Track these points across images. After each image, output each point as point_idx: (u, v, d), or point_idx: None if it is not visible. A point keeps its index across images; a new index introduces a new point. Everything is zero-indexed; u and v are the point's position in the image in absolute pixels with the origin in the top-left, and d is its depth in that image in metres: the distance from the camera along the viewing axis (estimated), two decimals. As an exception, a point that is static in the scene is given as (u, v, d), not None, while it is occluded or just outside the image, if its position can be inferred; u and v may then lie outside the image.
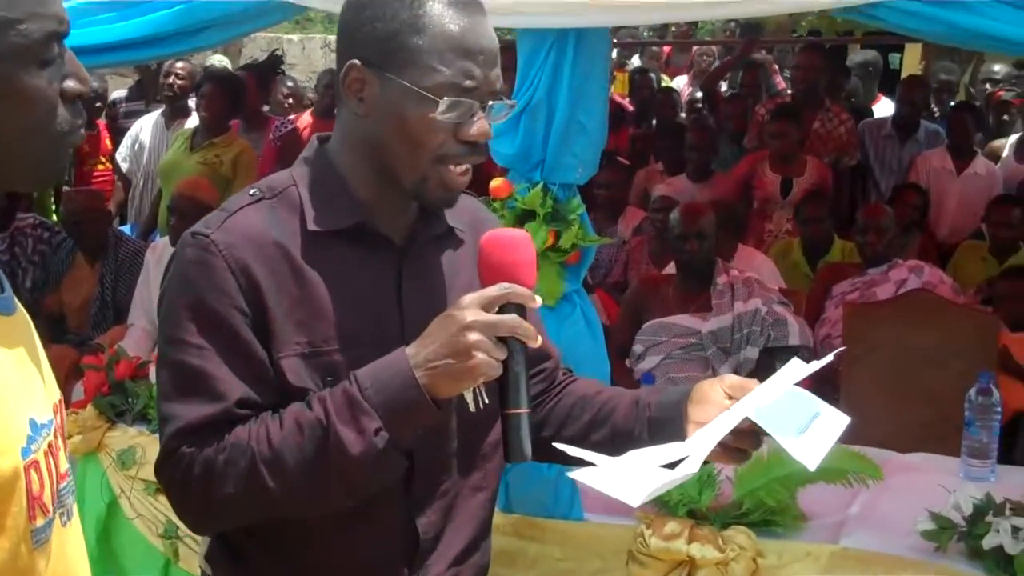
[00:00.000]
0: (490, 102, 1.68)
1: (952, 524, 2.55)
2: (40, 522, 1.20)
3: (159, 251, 4.82)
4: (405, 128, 1.67)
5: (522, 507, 2.79)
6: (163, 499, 3.07)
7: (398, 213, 1.77)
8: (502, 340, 1.58)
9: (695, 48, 9.93)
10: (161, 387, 1.70)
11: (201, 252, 1.68)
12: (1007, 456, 3.58)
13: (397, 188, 1.73)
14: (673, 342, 4.33)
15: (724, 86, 8.12)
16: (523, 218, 2.53)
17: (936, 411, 4.04)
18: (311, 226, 1.71)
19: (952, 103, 7.38)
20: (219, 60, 8.39)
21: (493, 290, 1.60)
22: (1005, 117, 7.21)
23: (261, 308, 1.67)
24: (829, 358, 1.68)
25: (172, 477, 1.67)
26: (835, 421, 1.58)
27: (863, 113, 7.23)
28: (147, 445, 3.31)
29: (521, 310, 1.61)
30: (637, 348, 4.36)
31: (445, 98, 1.64)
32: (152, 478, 2.60)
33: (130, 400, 3.50)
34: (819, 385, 4.55)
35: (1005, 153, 6.66)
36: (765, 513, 2.62)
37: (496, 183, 2.49)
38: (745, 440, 1.65)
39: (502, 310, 1.60)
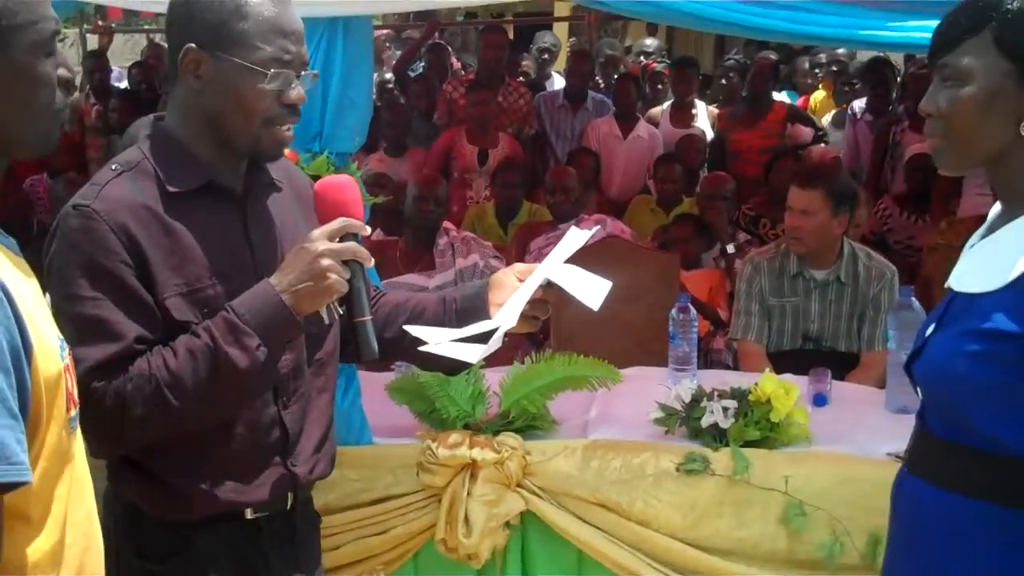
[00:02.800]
0: (302, 72, 2.09)
1: (676, 411, 3.11)
2: (73, 412, 1.52)
3: None
4: (239, 97, 2.05)
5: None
6: None
7: (234, 170, 2.15)
8: (345, 263, 2.00)
9: (376, 32, 10.30)
10: (65, 337, 1.99)
11: (85, 220, 1.99)
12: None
13: (231, 149, 2.10)
14: (404, 298, 4.76)
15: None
16: (311, 182, 2.90)
17: (634, 339, 4.62)
18: (171, 188, 2.05)
19: (615, 75, 8.17)
20: None
21: (335, 224, 2.03)
22: (659, 86, 8.00)
23: (142, 260, 2.00)
24: (595, 230, 2.33)
25: (87, 410, 1.96)
26: (602, 281, 2.09)
27: (537, 88, 7.88)
28: None
29: (356, 238, 2.04)
30: (373, 305, 4.76)
31: (271, 70, 2.03)
32: None
33: None
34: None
35: (661, 118, 7.48)
36: (528, 419, 3.07)
37: (284, 153, 2.84)
38: (538, 308, 2.16)
39: (342, 240, 2.02)
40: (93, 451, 2.03)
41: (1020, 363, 1.80)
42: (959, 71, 1.87)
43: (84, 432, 1.98)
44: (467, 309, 2.25)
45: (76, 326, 1.96)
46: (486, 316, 2.18)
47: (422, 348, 2.11)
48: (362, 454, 3.07)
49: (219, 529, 2.14)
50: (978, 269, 1.92)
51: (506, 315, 2.11)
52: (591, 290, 2.05)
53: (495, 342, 2.06)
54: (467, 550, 2.93)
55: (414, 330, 2.16)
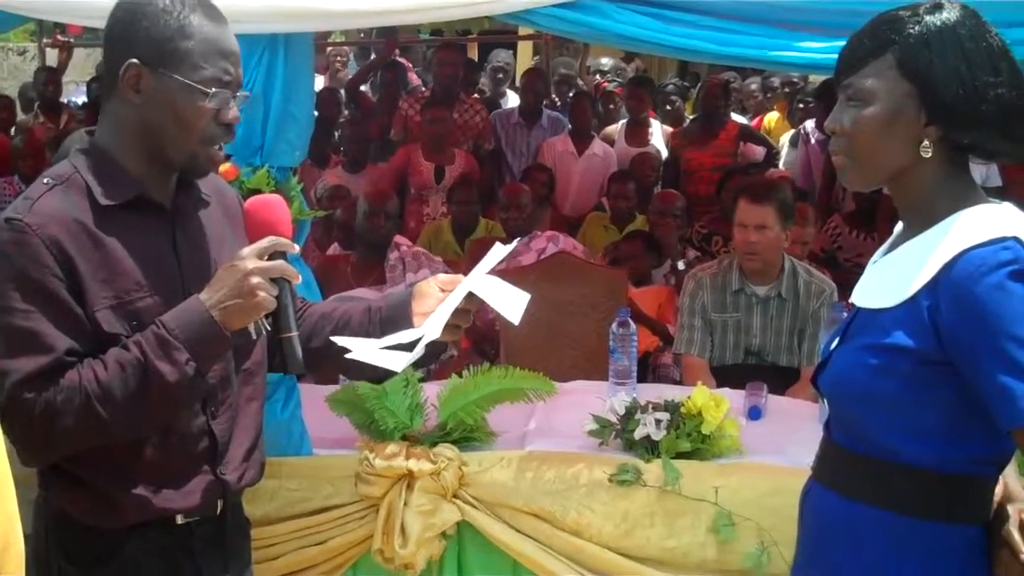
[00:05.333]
0: (238, 93, 2.14)
1: (610, 423, 3.16)
2: None
3: None
4: (177, 114, 2.10)
5: (259, 449, 3.17)
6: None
7: (164, 184, 2.19)
8: (273, 280, 2.05)
9: (329, 49, 10.32)
10: None
11: (17, 234, 2.02)
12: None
13: (163, 164, 2.15)
14: (354, 313, 4.80)
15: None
16: (249, 196, 2.93)
17: (581, 352, 4.67)
18: (102, 201, 2.09)
19: (571, 93, 8.25)
20: None
21: (264, 243, 2.07)
22: (612, 106, 8.09)
23: (73, 272, 2.03)
24: (516, 243, 2.38)
25: (17, 420, 1.99)
26: (522, 294, 2.14)
27: (493, 106, 7.95)
28: None
29: (283, 256, 2.09)
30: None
31: (213, 89, 2.08)
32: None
33: None
34: (478, 341, 5.16)
35: (617, 137, 7.55)
36: (465, 431, 3.11)
37: (224, 167, 2.87)
38: (460, 317, 2.21)
39: (271, 258, 2.06)
40: (22, 460, 2.07)
41: (915, 377, 1.87)
42: (862, 92, 1.94)
43: (12, 441, 2.01)
44: (391, 318, 2.30)
45: (7, 337, 2.00)
46: (409, 325, 2.24)
47: (348, 356, 2.16)
48: (301, 465, 3.11)
49: (149, 535, 2.17)
50: (879, 285, 1.99)
51: (431, 325, 2.16)
52: (511, 302, 2.10)
53: (419, 350, 2.11)
54: (403, 560, 2.97)
55: (340, 340, 2.21)
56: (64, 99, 9.05)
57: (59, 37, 9.37)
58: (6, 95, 8.62)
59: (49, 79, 8.49)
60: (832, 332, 2.15)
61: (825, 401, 2.11)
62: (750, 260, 4.14)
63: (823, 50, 2.89)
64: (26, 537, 2.03)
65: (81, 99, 8.94)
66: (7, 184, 6.78)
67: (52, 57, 9.48)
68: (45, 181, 2.11)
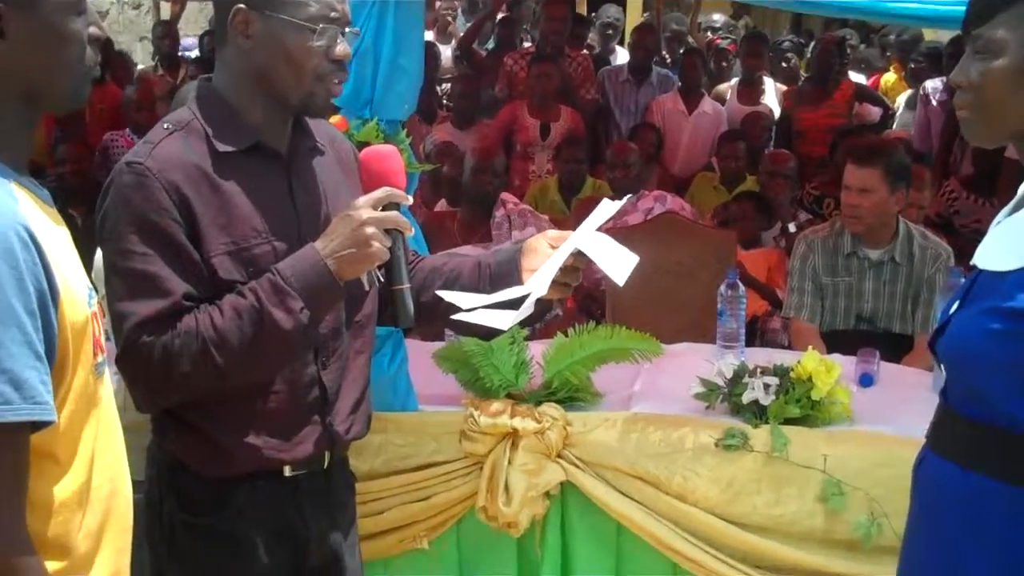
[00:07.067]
0: (346, 29, 2.14)
1: (718, 386, 3.11)
2: (100, 358, 1.58)
3: None
4: (288, 54, 2.10)
5: (367, 403, 3.19)
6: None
7: (280, 131, 2.20)
8: (387, 232, 2.04)
9: (438, 3, 10.30)
10: (115, 291, 2.05)
11: (138, 177, 2.04)
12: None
13: (279, 108, 2.15)
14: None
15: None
16: (359, 148, 2.93)
17: (688, 316, 4.58)
18: (220, 148, 2.11)
19: (681, 50, 8.12)
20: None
21: (379, 193, 2.07)
22: (724, 63, 7.96)
23: (191, 218, 2.06)
24: (626, 200, 2.33)
25: (135, 363, 2.03)
26: (630, 255, 2.10)
27: (602, 63, 7.84)
28: None
29: (397, 207, 2.08)
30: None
31: (320, 25, 2.07)
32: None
33: None
34: (584, 301, 5.13)
35: (729, 95, 7.41)
36: (570, 391, 3.09)
37: (335, 119, 2.88)
38: (568, 275, 2.18)
39: (385, 209, 2.06)
40: (137, 404, 2.11)
41: None
42: (992, 43, 1.86)
43: (129, 384, 2.06)
44: (500, 274, 2.28)
45: (126, 281, 2.03)
46: (518, 282, 2.21)
47: (454, 316, 2.15)
48: (407, 420, 3.12)
49: (257, 485, 2.20)
50: (1003, 246, 1.91)
51: (537, 282, 2.14)
52: (618, 263, 2.06)
53: (526, 308, 2.09)
54: (507, 518, 2.97)
55: (447, 295, 2.20)
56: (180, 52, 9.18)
57: (173, -10, 9.52)
58: (121, 50, 8.78)
59: (166, 32, 8.62)
60: (951, 296, 2.08)
61: (942, 367, 2.04)
62: (852, 223, 4.04)
63: (945, 1, 2.77)
64: (140, 484, 2.09)
65: (194, 53, 9.05)
66: (120, 137, 6.89)
67: (166, 11, 9.62)
68: (165, 127, 2.14)
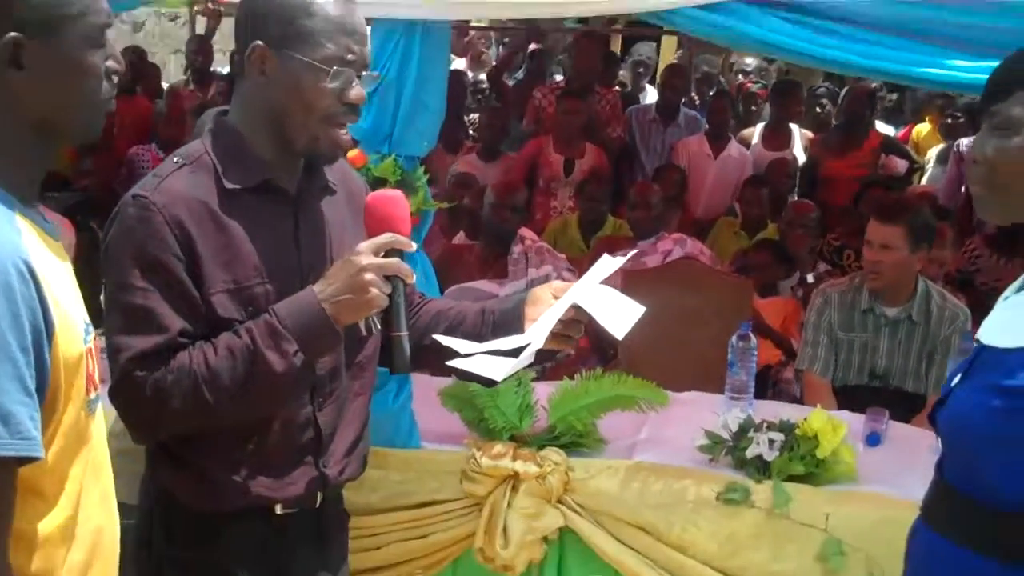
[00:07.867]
0: (363, 72, 2.12)
1: (722, 439, 3.09)
2: (92, 395, 1.58)
3: None
4: (301, 94, 2.08)
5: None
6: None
7: (291, 170, 2.18)
8: (387, 278, 2.03)
9: (472, 32, 10.34)
10: (112, 324, 2.04)
11: (142, 211, 2.04)
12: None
13: (290, 148, 2.14)
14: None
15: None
16: (375, 185, 2.93)
17: (700, 363, 4.55)
18: (228, 184, 2.10)
19: (711, 92, 8.10)
20: None
21: (382, 239, 2.05)
22: (753, 108, 7.91)
23: (193, 254, 2.04)
24: (631, 254, 2.31)
25: (128, 397, 2.02)
26: (634, 307, 2.08)
27: (632, 101, 7.84)
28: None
29: (400, 254, 2.06)
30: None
31: (335, 68, 2.07)
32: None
33: None
34: (596, 340, 5.11)
35: (755, 140, 7.35)
36: (573, 436, 3.08)
37: (352, 154, 2.88)
38: (570, 328, 2.16)
39: (387, 255, 2.05)
40: (132, 437, 2.11)
41: None
42: (1009, 120, 1.84)
43: (122, 417, 2.05)
44: (503, 322, 2.27)
45: (124, 314, 2.03)
46: (520, 330, 2.20)
47: (449, 363, 2.13)
48: (408, 457, 3.12)
49: (248, 522, 2.18)
50: (1009, 323, 1.89)
51: (536, 332, 2.12)
52: (619, 316, 2.04)
53: (525, 358, 2.07)
54: (503, 561, 2.95)
55: (446, 340, 2.18)
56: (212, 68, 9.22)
57: (210, 5, 9.54)
58: (153, 63, 8.81)
59: (199, 48, 8.63)
60: (955, 368, 2.06)
61: (939, 441, 2.02)
62: (872, 279, 4.02)
63: (970, 69, 2.76)
64: (132, 508, 2.08)
65: (226, 69, 9.08)
66: (146, 151, 6.90)
67: (202, 24, 9.66)
68: (175, 160, 2.13)
